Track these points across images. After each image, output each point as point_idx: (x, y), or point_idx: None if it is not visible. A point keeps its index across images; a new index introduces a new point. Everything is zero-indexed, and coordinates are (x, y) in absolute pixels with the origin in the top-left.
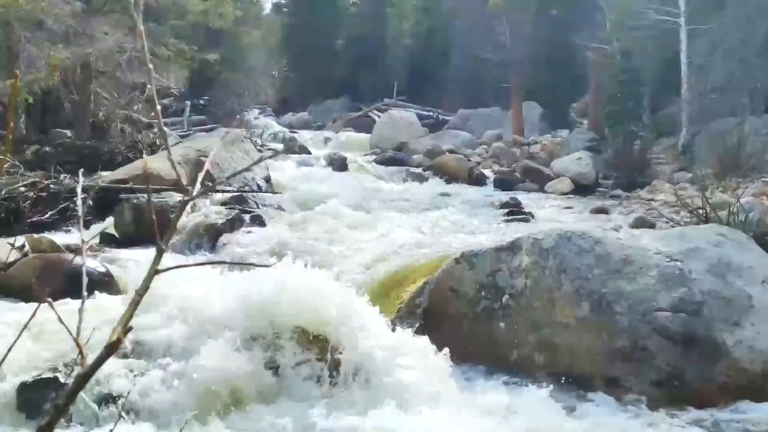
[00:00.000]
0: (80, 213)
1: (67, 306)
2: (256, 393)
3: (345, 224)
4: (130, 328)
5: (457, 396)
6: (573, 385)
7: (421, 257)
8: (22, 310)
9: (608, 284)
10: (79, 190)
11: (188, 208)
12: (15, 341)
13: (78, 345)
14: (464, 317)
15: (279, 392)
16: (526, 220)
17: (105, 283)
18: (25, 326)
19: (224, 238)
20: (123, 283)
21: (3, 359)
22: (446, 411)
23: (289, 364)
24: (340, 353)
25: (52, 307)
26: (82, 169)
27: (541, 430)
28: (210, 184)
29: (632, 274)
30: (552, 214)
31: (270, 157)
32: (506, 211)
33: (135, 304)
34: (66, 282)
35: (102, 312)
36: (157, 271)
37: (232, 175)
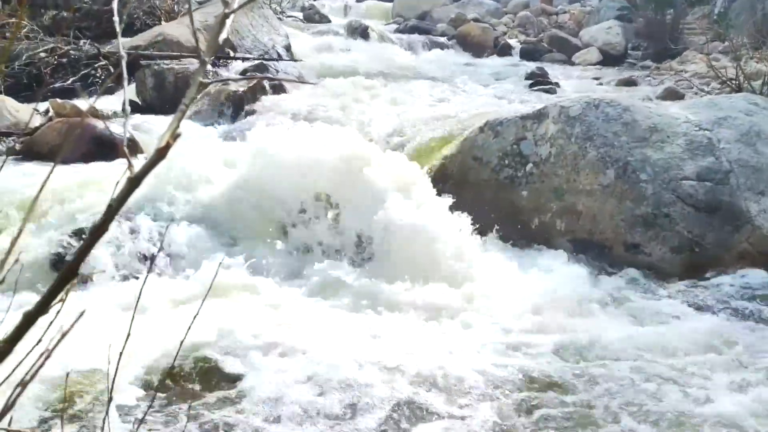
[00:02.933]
0: (124, 74)
1: (90, 169)
2: (280, 250)
3: (368, 93)
4: (179, 134)
5: (478, 263)
6: (593, 252)
7: (443, 127)
8: (46, 172)
9: (634, 152)
10: (122, 51)
11: (208, 75)
12: (38, 194)
13: (125, 154)
14: (487, 185)
15: (306, 251)
16: (552, 91)
17: (128, 147)
18: (45, 182)
19: (247, 106)
20: (145, 146)
21: (32, 206)
22: (469, 280)
23: (316, 225)
24: (370, 219)
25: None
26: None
27: (560, 295)
28: (230, 51)
29: (659, 143)
30: (579, 85)
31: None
32: (532, 81)
33: (182, 113)
34: (90, 145)
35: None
36: (203, 84)
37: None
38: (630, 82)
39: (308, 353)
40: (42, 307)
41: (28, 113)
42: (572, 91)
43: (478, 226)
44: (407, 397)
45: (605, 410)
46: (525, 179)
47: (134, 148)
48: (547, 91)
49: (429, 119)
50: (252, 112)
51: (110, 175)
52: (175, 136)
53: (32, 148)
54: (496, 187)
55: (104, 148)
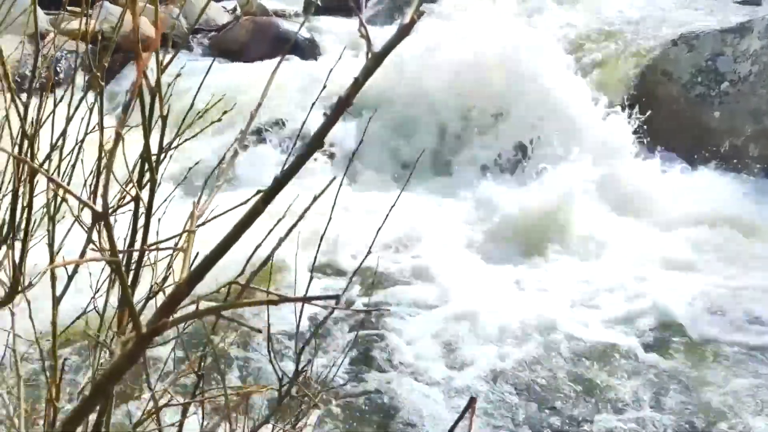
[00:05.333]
0: None
1: (273, 65)
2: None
3: None
4: (422, 13)
5: (657, 182)
6: None
7: (633, 37)
8: (236, 69)
9: None
10: None
11: None
12: (266, 88)
13: (366, 36)
14: (675, 102)
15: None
16: (758, 3)
17: (308, 47)
18: (272, 76)
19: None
20: (324, 47)
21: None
22: (644, 203)
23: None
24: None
25: None
26: None
27: (745, 221)
28: None
29: None
30: None
31: None
32: None
33: None
34: (275, 44)
35: (308, 70)
36: None
37: None
38: None
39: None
40: (290, 174)
41: (218, 11)
42: None
43: (662, 146)
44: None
45: None
46: (719, 99)
47: (313, 49)
48: (753, 3)
49: (614, 27)
50: (424, 13)
51: (297, 71)
52: (419, 14)
53: (221, 46)
54: (685, 105)
55: (286, 45)
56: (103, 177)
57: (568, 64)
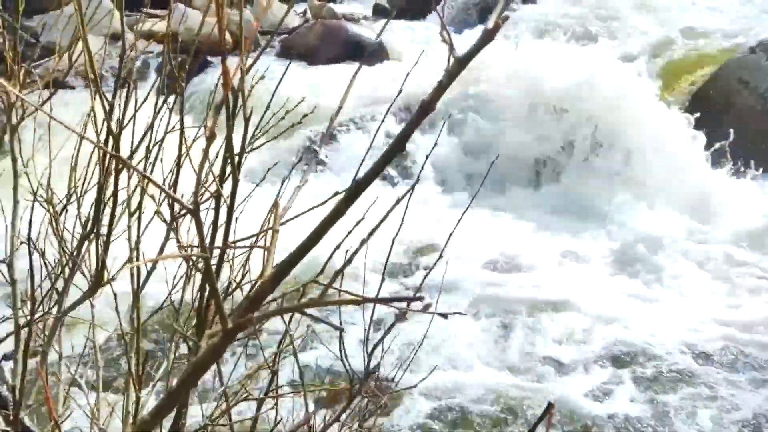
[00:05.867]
0: None
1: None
2: None
3: (622, 3)
4: (507, 17)
5: (727, 194)
6: None
7: (708, 44)
8: (306, 71)
9: None
10: None
11: None
12: (346, 91)
13: (449, 40)
14: (752, 111)
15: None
16: None
17: (377, 51)
18: (352, 80)
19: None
20: (392, 51)
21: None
22: (712, 208)
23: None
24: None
25: None
26: None
27: None
28: None
29: None
30: None
31: None
32: None
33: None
34: (344, 47)
35: (379, 75)
36: None
37: None
38: None
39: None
40: (371, 176)
41: (288, 14)
42: None
43: (738, 159)
44: None
45: None
46: None
47: (382, 52)
48: None
49: (689, 33)
50: (509, 18)
51: (365, 74)
52: (503, 19)
53: (290, 48)
54: (763, 115)
55: (355, 49)
56: (186, 174)
57: (640, 71)
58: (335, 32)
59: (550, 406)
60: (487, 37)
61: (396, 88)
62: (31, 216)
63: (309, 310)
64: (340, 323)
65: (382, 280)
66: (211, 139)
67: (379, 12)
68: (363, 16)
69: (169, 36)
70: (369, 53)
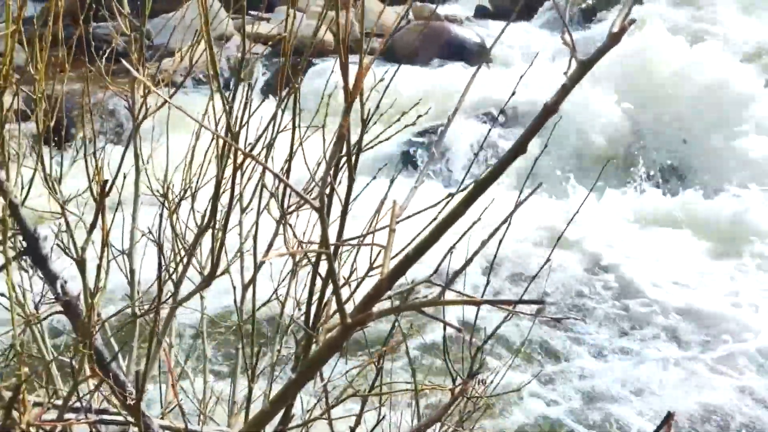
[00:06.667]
0: None
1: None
2: None
3: (741, 8)
4: (633, 20)
5: None
6: None
7: None
8: (409, 72)
9: None
10: None
11: None
12: (465, 90)
13: (571, 43)
14: None
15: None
16: None
17: (478, 52)
18: (470, 82)
19: (600, 14)
20: (493, 53)
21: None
22: None
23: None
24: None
25: None
26: None
27: None
28: None
29: None
30: None
31: None
32: None
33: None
34: (447, 48)
35: (479, 77)
36: None
37: None
38: None
39: None
40: (491, 178)
41: (389, 15)
42: None
43: None
44: None
45: None
46: None
47: (482, 53)
48: None
49: None
50: (602, 20)
51: (466, 77)
52: (629, 21)
53: (393, 49)
54: None
55: (457, 50)
56: (312, 173)
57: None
58: (437, 33)
59: (669, 415)
60: (613, 41)
61: (495, 91)
62: (161, 211)
63: (425, 309)
64: (444, 324)
65: (487, 282)
66: (342, 138)
67: (480, 13)
68: (466, 17)
69: (291, 39)
70: (471, 54)
